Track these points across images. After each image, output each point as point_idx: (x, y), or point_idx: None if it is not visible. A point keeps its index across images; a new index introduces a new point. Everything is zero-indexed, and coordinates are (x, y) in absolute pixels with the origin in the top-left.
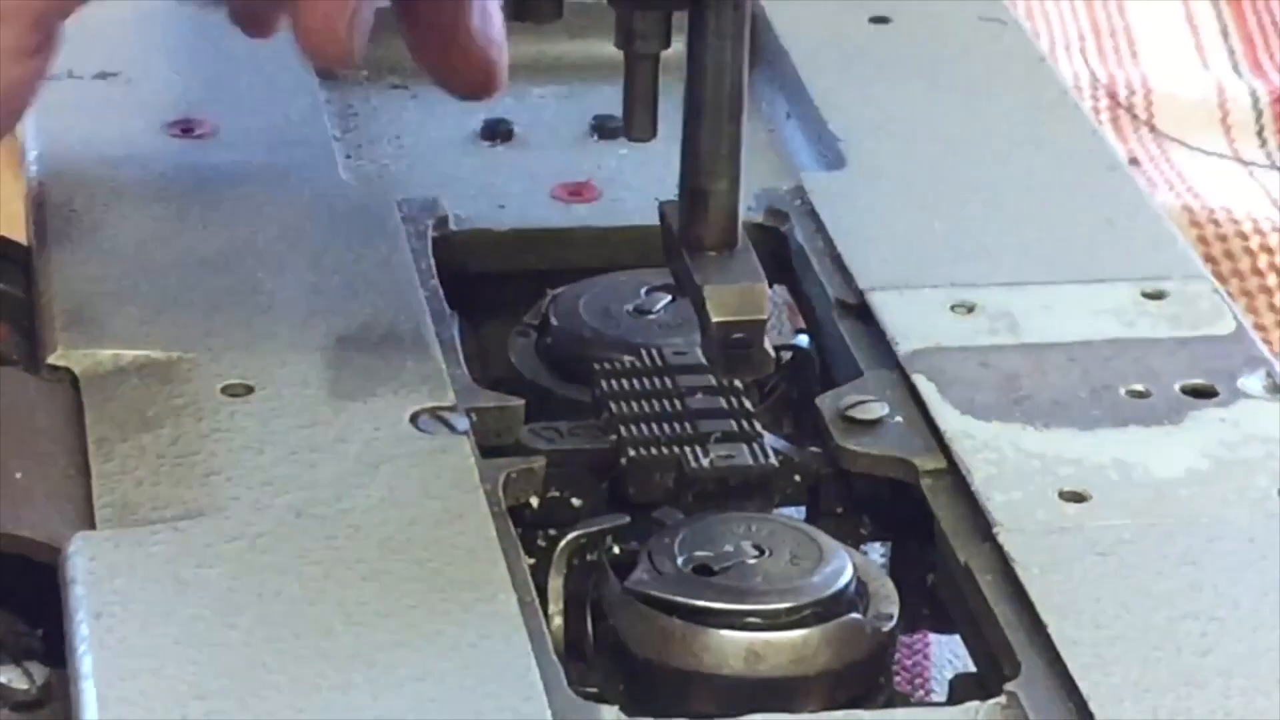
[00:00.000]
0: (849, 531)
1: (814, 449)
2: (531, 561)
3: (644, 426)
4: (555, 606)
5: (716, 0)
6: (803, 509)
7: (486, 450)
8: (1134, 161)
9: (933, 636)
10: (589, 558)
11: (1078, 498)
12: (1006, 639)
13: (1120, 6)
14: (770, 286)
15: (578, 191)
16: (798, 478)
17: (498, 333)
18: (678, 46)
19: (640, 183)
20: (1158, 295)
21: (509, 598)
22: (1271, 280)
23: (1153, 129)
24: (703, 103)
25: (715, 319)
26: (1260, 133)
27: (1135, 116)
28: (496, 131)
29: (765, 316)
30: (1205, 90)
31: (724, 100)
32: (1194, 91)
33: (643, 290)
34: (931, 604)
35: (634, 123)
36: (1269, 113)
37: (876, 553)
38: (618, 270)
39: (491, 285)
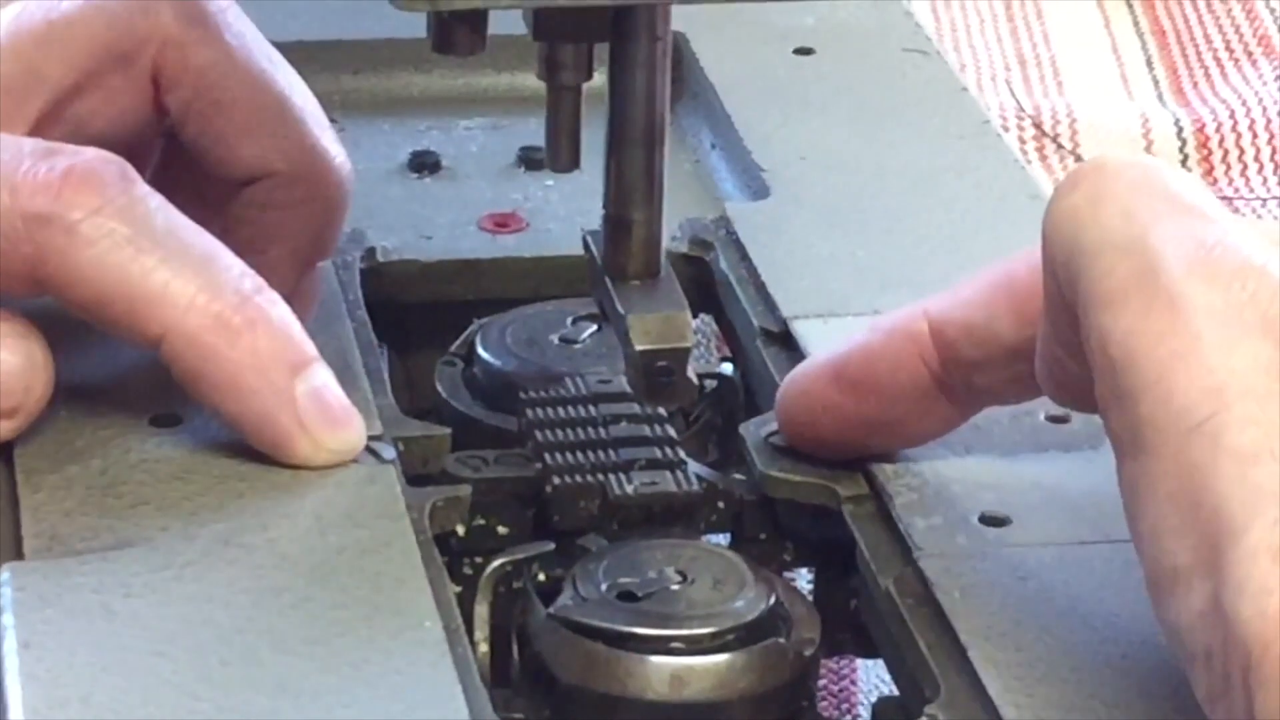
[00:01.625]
0: (772, 557)
1: (738, 476)
2: (458, 589)
3: (569, 454)
4: (481, 633)
5: (637, 33)
6: (727, 535)
7: (413, 479)
8: None
9: (859, 662)
10: (515, 585)
11: (998, 521)
12: (927, 661)
13: (1046, 37)
14: (695, 315)
15: (504, 222)
16: (721, 504)
17: (425, 363)
18: (600, 78)
19: (566, 213)
20: None
21: (435, 625)
22: None
23: (1078, 158)
24: (624, 133)
25: (638, 347)
26: (1184, 162)
27: (1061, 146)
28: (424, 163)
29: (688, 344)
30: (1129, 120)
31: (645, 131)
32: (1118, 121)
33: (568, 320)
34: (855, 628)
35: (557, 154)
36: (1192, 142)
37: (803, 578)
38: (544, 300)
39: (419, 316)
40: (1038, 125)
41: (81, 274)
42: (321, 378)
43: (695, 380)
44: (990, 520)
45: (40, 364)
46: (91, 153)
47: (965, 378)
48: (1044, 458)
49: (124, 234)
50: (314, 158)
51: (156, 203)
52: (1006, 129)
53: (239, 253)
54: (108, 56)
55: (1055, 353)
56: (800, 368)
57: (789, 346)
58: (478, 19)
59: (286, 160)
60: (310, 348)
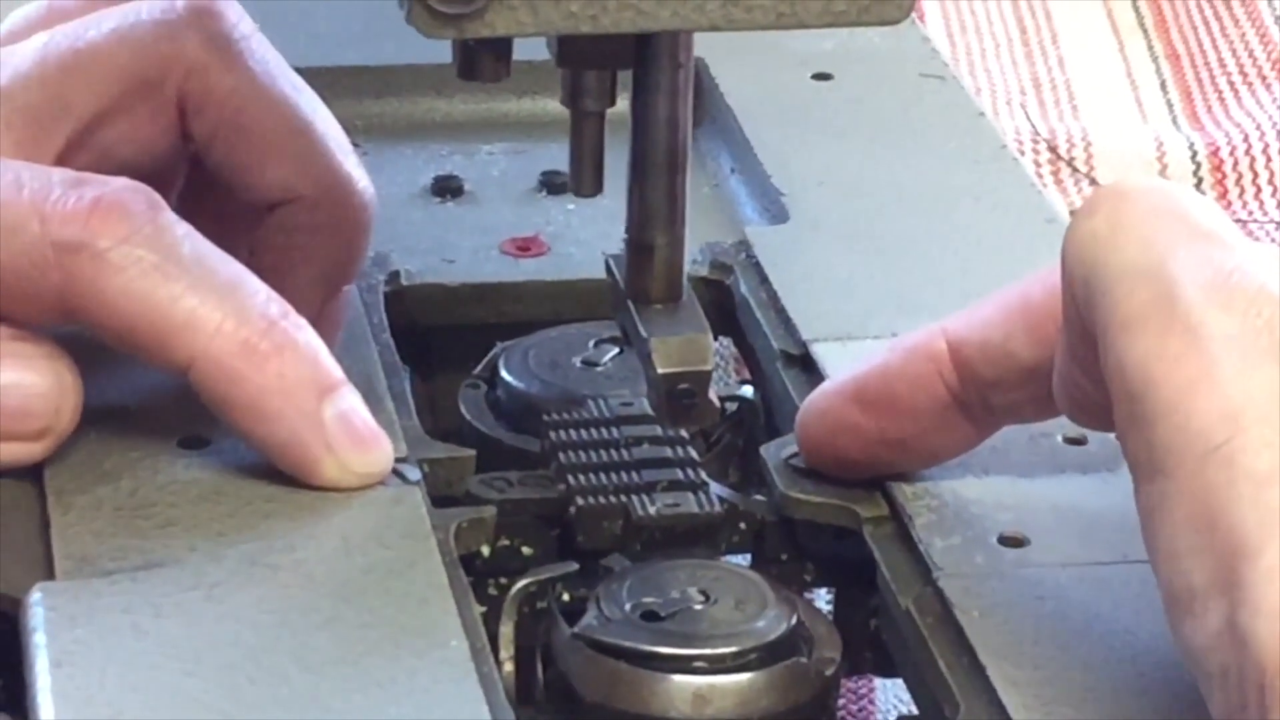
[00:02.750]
0: (793, 577)
1: (759, 497)
2: (483, 609)
3: (592, 476)
4: (506, 652)
5: (659, 60)
6: (748, 556)
7: (438, 500)
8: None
9: (878, 681)
10: (539, 605)
11: (1016, 542)
12: (947, 681)
13: (1061, 62)
14: (715, 338)
15: (526, 246)
16: (743, 525)
17: (449, 385)
18: (623, 104)
19: (588, 237)
20: None
21: (461, 644)
22: None
23: (1093, 181)
24: (646, 159)
25: (661, 370)
26: (1198, 185)
27: (1076, 170)
28: (447, 188)
29: (709, 367)
30: (1144, 143)
31: (667, 156)
32: (1133, 145)
33: (590, 343)
34: (875, 648)
35: (580, 179)
36: (1206, 165)
37: (822, 598)
38: (566, 323)
39: (442, 339)
40: (1053, 149)
41: (110, 302)
42: (349, 401)
43: (716, 402)
44: (1009, 541)
45: (69, 386)
46: (119, 182)
47: (983, 397)
48: (1062, 479)
49: (151, 261)
50: (337, 182)
51: (183, 230)
52: (1022, 153)
53: (264, 277)
54: (134, 84)
55: (1073, 374)
56: (820, 389)
57: (808, 369)
58: (503, 46)
59: (310, 185)
60: (337, 371)
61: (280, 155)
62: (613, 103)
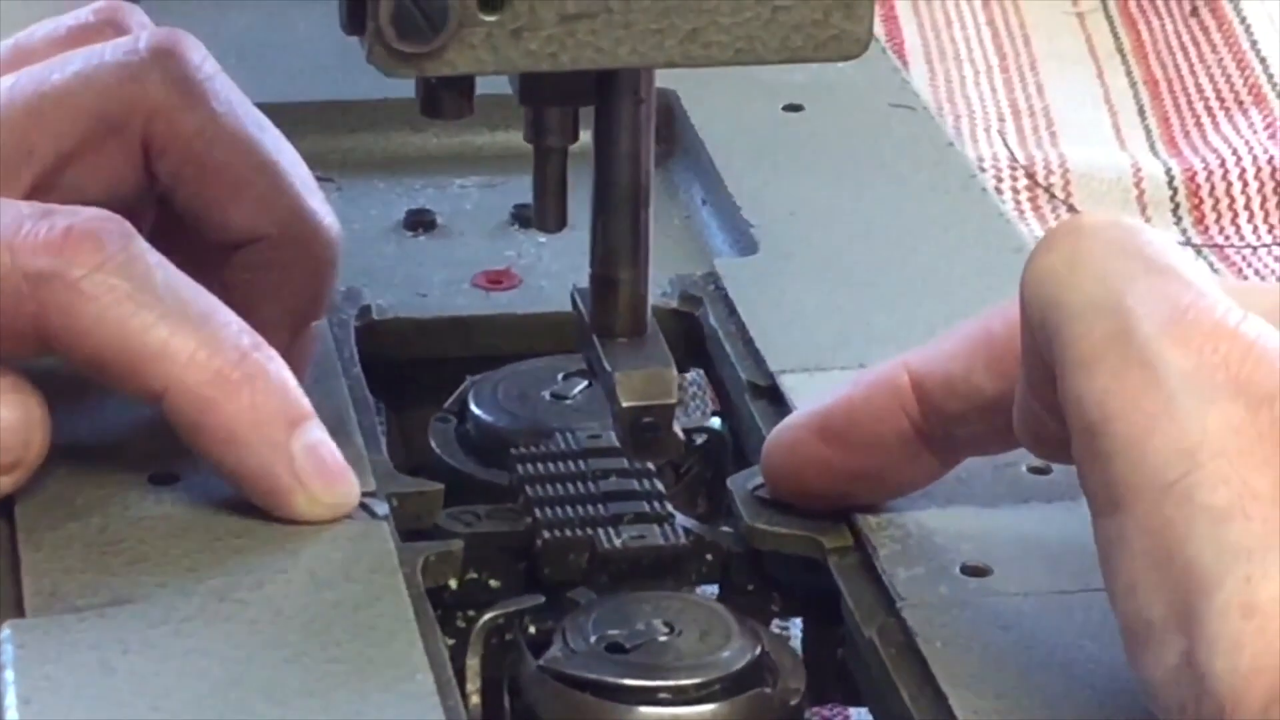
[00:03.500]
0: (760, 608)
1: (725, 529)
2: (451, 642)
3: (559, 509)
4: (473, 685)
5: (621, 96)
6: (715, 587)
7: (407, 534)
8: None
9: (853, 711)
10: (506, 637)
11: (979, 572)
12: (910, 710)
13: (1039, 89)
14: (686, 370)
15: (498, 280)
16: (709, 557)
17: (420, 419)
18: (587, 137)
19: (560, 270)
20: None
21: (426, 677)
22: None
23: (1071, 208)
24: (610, 194)
25: (624, 404)
26: (1175, 210)
27: (1054, 196)
28: (419, 222)
29: (673, 401)
30: (1121, 170)
31: (630, 191)
32: (1110, 171)
33: (559, 376)
34: (841, 677)
35: (545, 215)
36: (1184, 190)
37: (796, 628)
38: (538, 356)
39: (414, 373)
40: (1030, 176)
41: (84, 330)
42: (317, 434)
43: (681, 435)
44: (972, 570)
45: (38, 420)
46: (90, 211)
47: (946, 429)
48: (1025, 509)
49: (125, 290)
50: (303, 220)
51: (155, 259)
52: (1000, 180)
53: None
54: (98, 126)
55: (1033, 408)
56: (784, 422)
57: (776, 401)
58: (465, 84)
59: (275, 223)
60: (306, 404)
61: (244, 195)
62: (575, 139)
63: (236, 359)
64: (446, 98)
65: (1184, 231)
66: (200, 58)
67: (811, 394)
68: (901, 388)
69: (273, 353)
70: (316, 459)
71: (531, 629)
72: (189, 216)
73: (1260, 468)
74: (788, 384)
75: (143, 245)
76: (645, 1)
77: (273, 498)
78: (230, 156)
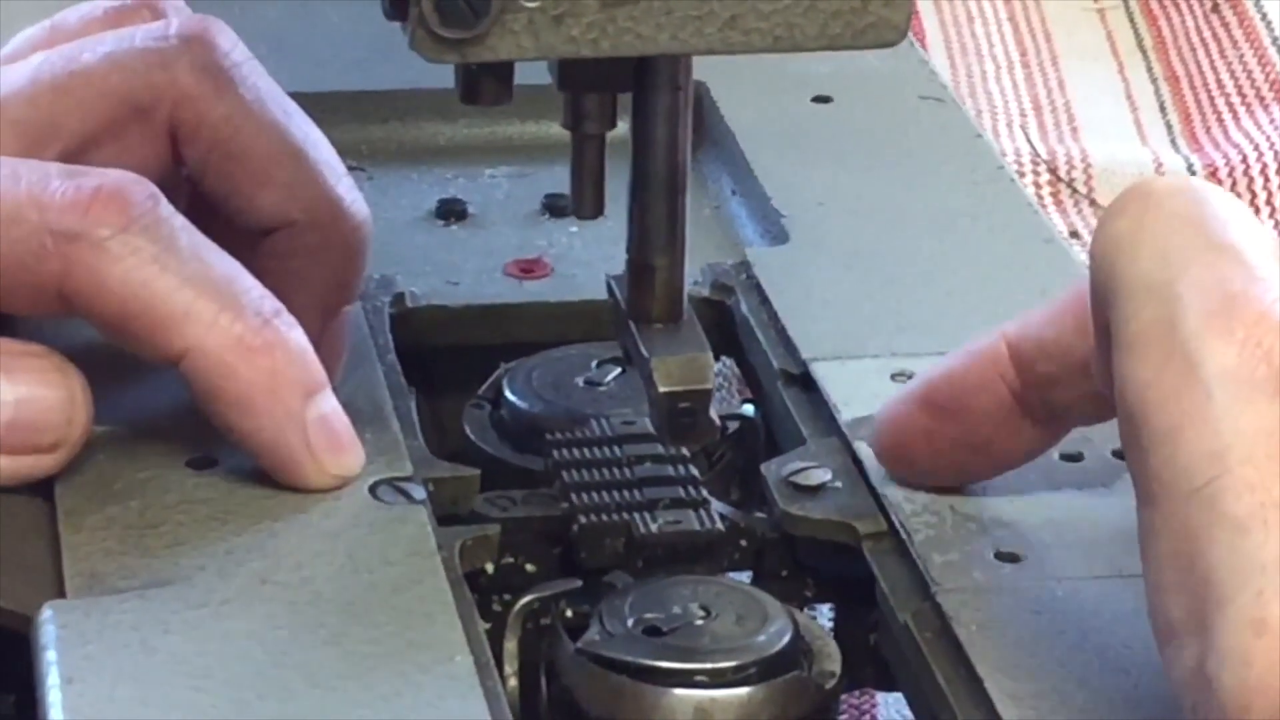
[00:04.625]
0: (794, 594)
1: (759, 515)
2: (488, 625)
3: (595, 494)
4: (510, 668)
5: (659, 83)
6: (749, 573)
7: (443, 519)
8: (1075, 235)
9: (880, 696)
10: (543, 621)
11: (1013, 558)
12: (945, 694)
13: (1061, 84)
14: (717, 358)
15: (530, 268)
16: (743, 542)
17: (453, 406)
18: (623, 127)
19: (591, 259)
20: None
21: (465, 659)
22: None
23: (1093, 203)
24: (647, 181)
25: (662, 389)
26: None
27: (1076, 191)
28: (451, 211)
29: (710, 386)
30: (1143, 164)
31: (667, 178)
32: (1132, 166)
33: (593, 363)
34: (875, 662)
35: (582, 201)
36: None
37: (824, 614)
38: (569, 344)
39: (447, 360)
40: (1053, 170)
41: (108, 290)
42: (331, 404)
43: (717, 421)
44: (1006, 556)
45: (80, 400)
46: (117, 173)
47: (1043, 395)
48: (1058, 495)
49: (151, 252)
50: (331, 206)
51: (181, 223)
52: (1022, 174)
53: None
54: (124, 110)
55: (1102, 370)
56: (892, 397)
57: (808, 388)
58: (504, 70)
59: (303, 209)
60: (323, 373)
61: (272, 181)
62: (613, 125)
63: (258, 325)
64: (486, 84)
65: None
66: (230, 44)
67: (843, 381)
68: (1000, 355)
69: (292, 320)
70: (329, 429)
71: (568, 613)
72: (217, 202)
73: None
74: (819, 371)
75: (169, 209)
76: None
77: (284, 465)
78: (257, 143)
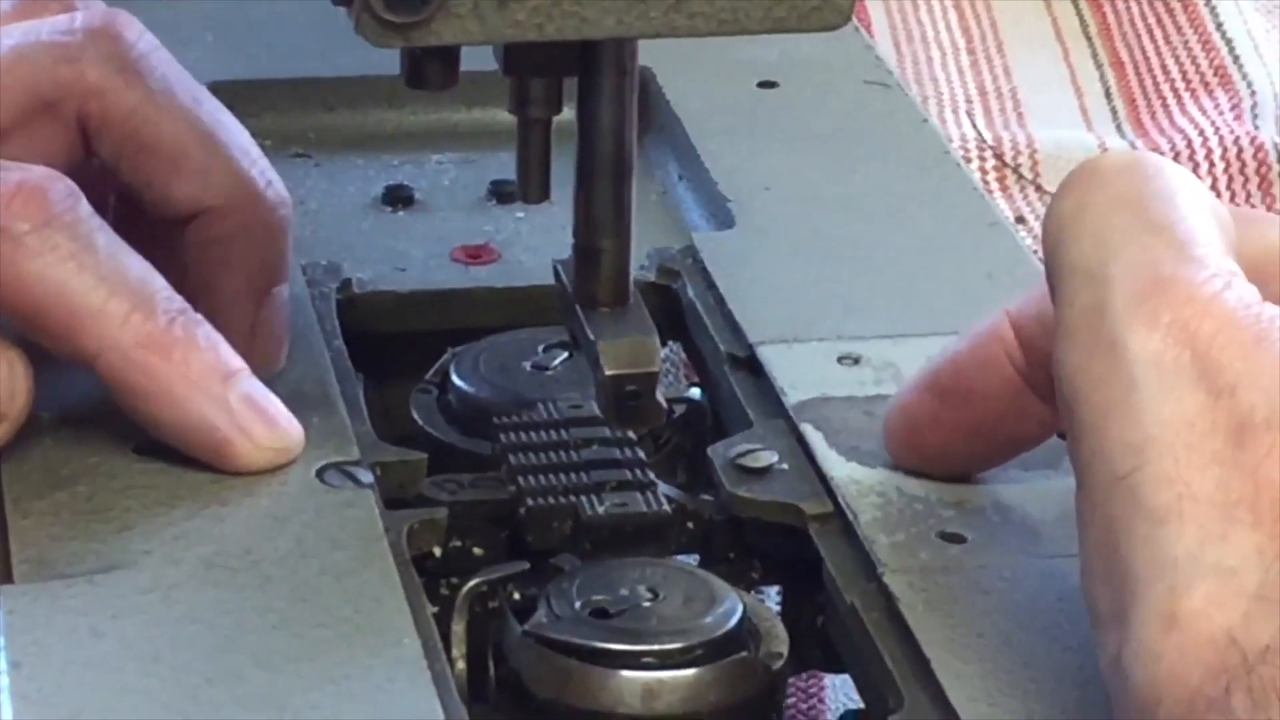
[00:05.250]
0: (741, 576)
1: (706, 497)
2: (436, 609)
3: (542, 477)
4: (458, 651)
5: (605, 67)
6: (697, 555)
7: (391, 503)
8: (1020, 220)
9: (828, 679)
10: (491, 604)
11: (958, 539)
12: (892, 675)
13: (1007, 70)
14: (664, 342)
15: (477, 254)
16: (690, 524)
17: (401, 391)
18: (570, 111)
19: (538, 244)
20: None
21: (413, 642)
22: None
23: (1039, 188)
24: (593, 165)
25: (608, 372)
26: None
27: (1021, 176)
28: (398, 198)
29: (656, 369)
30: (1088, 150)
31: (613, 162)
32: (1078, 151)
33: (540, 347)
34: (822, 644)
35: (528, 186)
36: None
37: (773, 597)
38: (516, 329)
39: (394, 346)
40: (999, 156)
41: (25, 285)
42: (251, 383)
43: (664, 404)
44: (952, 537)
45: (21, 373)
46: (40, 169)
47: (1048, 370)
48: (1003, 476)
49: (69, 249)
50: (246, 189)
51: (98, 222)
52: (968, 160)
53: (196, 288)
54: (32, 104)
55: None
56: (901, 387)
57: (755, 371)
58: (450, 55)
59: (219, 195)
60: (238, 359)
61: (184, 170)
62: (559, 110)
63: (167, 322)
64: (431, 69)
65: None
66: (135, 35)
67: (789, 364)
68: (1004, 334)
69: (199, 317)
70: (255, 406)
71: (516, 595)
72: (134, 194)
73: (1207, 465)
74: (766, 355)
75: (88, 208)
76: None
77: (215, 449)
78: (166, 132)
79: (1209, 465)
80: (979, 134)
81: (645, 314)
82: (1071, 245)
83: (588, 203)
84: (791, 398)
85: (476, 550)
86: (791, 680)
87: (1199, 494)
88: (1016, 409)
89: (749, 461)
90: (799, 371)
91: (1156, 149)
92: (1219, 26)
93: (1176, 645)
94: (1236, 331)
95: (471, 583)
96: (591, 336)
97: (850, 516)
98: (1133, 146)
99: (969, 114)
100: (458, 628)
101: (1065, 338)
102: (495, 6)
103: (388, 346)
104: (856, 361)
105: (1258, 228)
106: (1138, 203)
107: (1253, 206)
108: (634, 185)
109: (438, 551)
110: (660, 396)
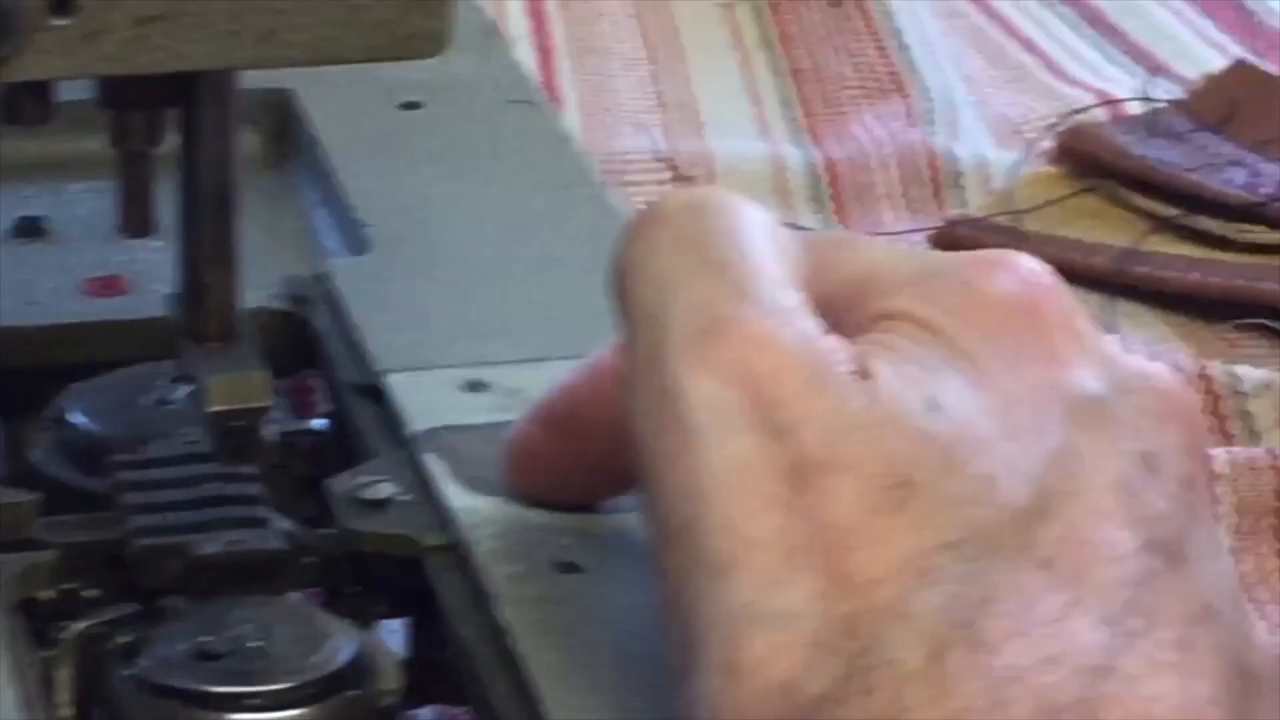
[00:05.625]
0: (367, 610)
1: (327, 530)
2: (49, 654)
3: (155, 515)
4: (63, 697)
5: (205, 98)
6: (322, 591)
7: (5, 545)
8: None
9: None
10: (107, 648)
11: (574, 568)
12: (505, 708)
13: (686, 80)
14: (297, 372)
15: (108, 286)
16: (308, 560)
17: (29, 430)
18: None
19: (172, 276)
20: None
21: (14, 691)
22: None
23: None
24: (197, 197)
25: (212, 408)
26: (817, 199)
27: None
28: (29, 230)
29: (263, 404)
30: (764, 160)
31: (217, 194)
32: (755, 162)
33: (167, 381)
34: (447, 678)
35: (129, 220)
36: (825, 179)
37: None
38: (144, 362)
39: (23, 382)
40: (674, 169)
41: None
42: None
43: (271, 439)
44: (568, 566)
45: None
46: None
47: None
48: (620, 506)
49: None
50: None
51: None
52: (646, 173)
53: None
54: None
55: None
56: (520, 417)
57: (380, 401)
58: (43, 89)
59: None
60: None
61: None
62: (159, 142)
63: None
64: (26, 104)
65: (825, 221)
66: None
67: (415, 393)
68: (617, 367)
69: None
70: None
71: (122, 640)
72: None
73: (766, 510)
74: (392, 383)
75: None
76: (221, 3)
77: None
78: None
79: (768, 509)
80: (656, 146)
81: (254, 349)
82: (632, 291)
83: (192, 236)
84: (416, 426)
85: (89, 593)
86: (418, 713)
87: (758, 540)
88: (630, 442)
89: (368, 494)
90: (425, 400)
91: (831, 158)
92: (895, 32)
93: (738, 697)
94: (794, 369)
95: (77, 627)
96: (195, 373)
97: (466, 547)
98: (808, 155)
99: (648, 126)
100: (61, 674)
101: (630, 386)
102: (81, 40)
103: (17, 383)
104: (482, 388)
105: (842, 251)
106: (698, 242)
107: (927, 214)
108: (268, 215)
109: (48, 595)
110: (268, 431)
